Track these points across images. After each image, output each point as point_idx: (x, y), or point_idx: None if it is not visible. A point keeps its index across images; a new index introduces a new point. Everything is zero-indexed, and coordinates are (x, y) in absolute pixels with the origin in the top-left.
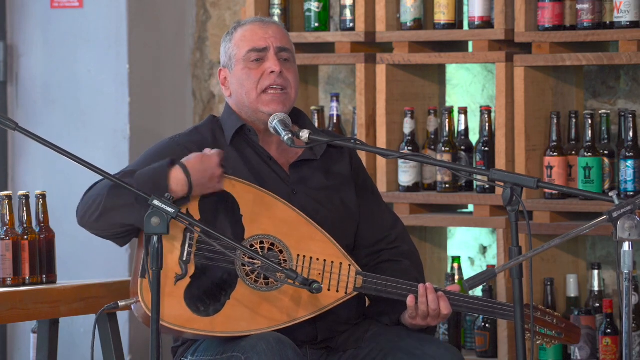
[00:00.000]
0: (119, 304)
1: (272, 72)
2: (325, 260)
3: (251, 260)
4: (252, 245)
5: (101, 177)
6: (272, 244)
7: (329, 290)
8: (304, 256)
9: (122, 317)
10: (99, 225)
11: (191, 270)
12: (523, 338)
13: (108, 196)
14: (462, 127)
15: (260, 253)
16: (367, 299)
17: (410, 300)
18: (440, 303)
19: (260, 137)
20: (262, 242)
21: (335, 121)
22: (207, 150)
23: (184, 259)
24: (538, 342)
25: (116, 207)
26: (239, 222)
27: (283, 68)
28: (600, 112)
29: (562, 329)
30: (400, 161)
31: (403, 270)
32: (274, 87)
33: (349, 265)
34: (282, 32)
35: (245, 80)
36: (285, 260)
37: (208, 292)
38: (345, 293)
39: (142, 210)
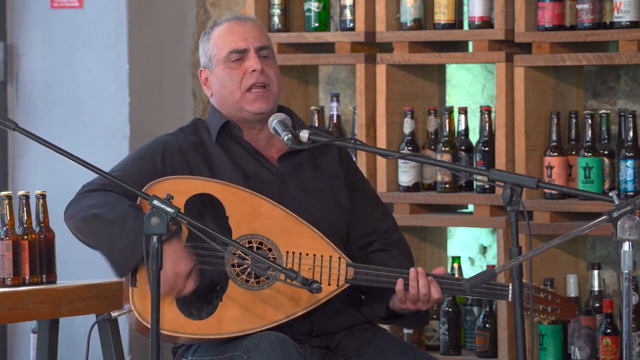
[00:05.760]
0: (112, 314)
1: (253, 70)
2: (314, 255)
3: (243, 260)
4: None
5: (101, 179)
6: (261, 243)
7: (321, 284)
8: (293, 252)
9: (122, 318)
10: (75, 236)
11: None
12: (523, 337)
13: (89, 221)
14: (462, 127)
15: (255, 252)
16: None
17: (399, 283)
18: (430, 287)
19: (244, 133)
20: (250, 242)
21: (335, 121)
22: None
23: None
24: (535, 319)
25: (91, 234)
26: (225, 223)
27: (264, 65)
28: (600, 112)
29: (557, 304)
30: (400, 161)
31: (392, 258)
32: (257, 85)
33: (339, 257)
34: (259, 30)
35: (227, 81)
36: (274, 258)
37: (199, 295)
38: (337, 285)
39: (110, 253)
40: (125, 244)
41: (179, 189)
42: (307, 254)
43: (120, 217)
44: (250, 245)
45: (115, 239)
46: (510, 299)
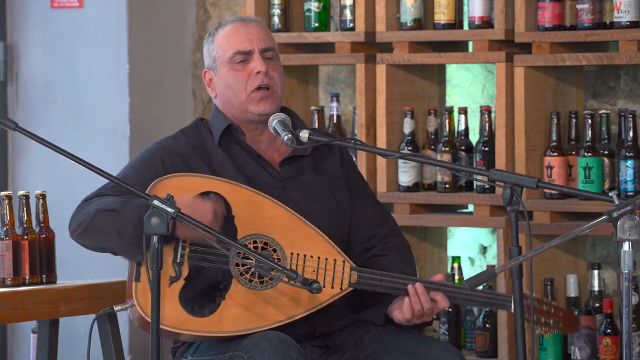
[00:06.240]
0: (115, 308)
1: (258, 72)
2: (319, 258)
3: (247, 260)
4: (245, 246)
5: (98, 189)
6: (266, 243)
7: (323, 286)
8: (298, 254)
9: (122, 317)
10: (85, 244)
11: (185, 272)
12: (523, 337)
13: (92, 219)
14: (462, 127)
15: (258, 252)
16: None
17: (406, 312)
18: (437, 298)
19: (247, 136)
20: (255, 242)
21: (335, 121)
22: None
23: (177, 260)
24: (537, 332)
25: (98, 232)
26: (231, 223)
27: (268, 67)
28: (600, 112)
29: (559, 318)
30: (400, 161)
31: (389, 264)
32: (262, 87)
33: (343, 261)
34: (264, 31)
35: (232, 82)
36: (279, 259)
37: (203, 292)
38: (341, 289)
39: (122, 241)
40: (134, 224)
41: (185, 186)
42: (311, 256)
43: (120, 204)
44: (255, 245)
45: (122, 224)
46: (512, 310)
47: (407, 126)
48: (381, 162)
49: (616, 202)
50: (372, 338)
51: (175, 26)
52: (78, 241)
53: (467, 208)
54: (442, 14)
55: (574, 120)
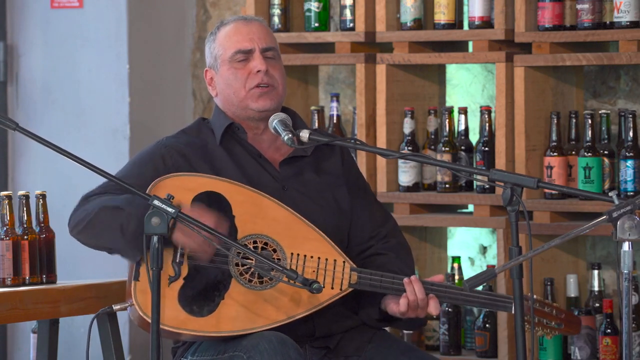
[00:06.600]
0: (114, 307)
1: (258, 71)
2: (319, 258)
3: (247, 260)
4: (245, 246)
5: (98, 187)
6: (266, 243)
7: (323, 287)
8: (298, 254)
9: (122, 317)
10: (85, 241)
11: (184, 271)
12: (523, 337)
13: (96, 214)
14: (462, 127)
15: (258, 253)
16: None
17: (402, 305)
18: (430, 300)
19: (249, 135)
20: (255, 242)
21: (335, 121)
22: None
23: (177, 260)
24: (538, 334)
25: (100, 228)
26: (231, 222)
27: (268, 66)
28: (600, 112)
29: (561, 320)
30: (400, 161)
31: (386, 262)
32: (262, 85)
33: (343, 261)
34: (265, 30)
35: (232, 81)
36: (279, 259)
37: (202, 292)
38: (340, 289)
39: (123, 238)
40: (137, 221)
41: (185, 186)
42: (311, 257)
43: (124, 202)
44: (255, 245)
45: (125, 221)
46: (513, 312)
47: (407, 126)
48: (381, 162)
49: (616, 202)
50: (375, 349)
51: (175, 26)
52: (78, 238)
53: (467, 208)
54: (442, 14)
55: (574, 120)
